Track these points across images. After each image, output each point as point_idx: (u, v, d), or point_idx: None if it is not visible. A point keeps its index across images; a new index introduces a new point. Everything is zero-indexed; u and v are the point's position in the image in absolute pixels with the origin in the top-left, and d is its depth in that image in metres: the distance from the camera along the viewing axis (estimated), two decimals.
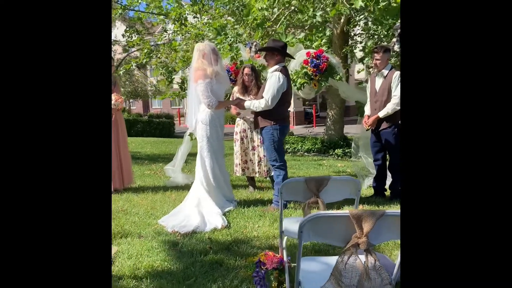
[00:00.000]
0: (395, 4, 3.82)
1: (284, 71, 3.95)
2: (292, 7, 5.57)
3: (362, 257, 1.46)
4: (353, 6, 4.72)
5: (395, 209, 2.84)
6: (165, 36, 11.04)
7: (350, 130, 10.74)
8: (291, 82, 4.30)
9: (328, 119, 9.77)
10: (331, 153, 9.12)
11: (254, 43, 5.35)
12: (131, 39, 10.34)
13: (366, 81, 5.42)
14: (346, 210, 1.46)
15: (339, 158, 8.67)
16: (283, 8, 5.47)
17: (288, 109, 4.20)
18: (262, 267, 2.29)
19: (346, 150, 8.96)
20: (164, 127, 18.83)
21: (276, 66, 3.93)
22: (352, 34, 10.80)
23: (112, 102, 4.67)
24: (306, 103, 22.08)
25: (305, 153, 9.38)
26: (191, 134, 5.01)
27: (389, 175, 4.53)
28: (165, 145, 11.25)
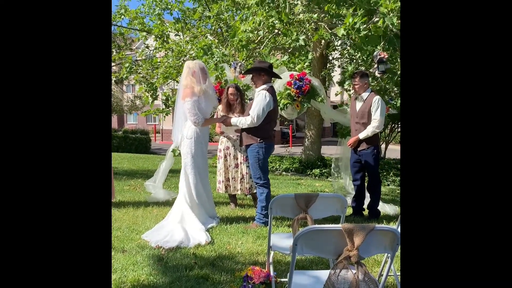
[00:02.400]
0: (375, 34, 4.04)
1: (271, 90, 4.07)
2: (276, 30, 5.76)
3: (352, 270, 1.55)
4: (334, 33, 4.93)
5: None
6: (147, 52, 11.08)
7: (326, 151, 10.96)
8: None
9: (306, 140, 9.96)
10: (308, 172, 9.27)
11: (239, 64, 5.49)
12: (112, 53, 10.33)
13: (342, 105, 5.62)
14: (338, 225, 1.55)
15: (317, 178, 8.82)
16: (267, 31, 5.66)
17: (274, 128, 4.30)
18: (250, 281, 2.35)
19: (323, 170, 9.14)
20: (140, 143, 18.59)
21: (263, 86, 4.05)
22: (330, 58, 11.17)
23: None
24: (285, 123, 22.34)
25: (283, 172, 9.50)
26: (174, 150, 5.04)
27: (367, 195, 4.68)
28: (142, 161, 11.15)
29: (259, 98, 3.99)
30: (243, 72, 5.11)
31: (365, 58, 6.95)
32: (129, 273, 2.78)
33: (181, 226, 3.72)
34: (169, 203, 4.89)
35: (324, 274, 1.93)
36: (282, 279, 2.62)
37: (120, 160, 11.01)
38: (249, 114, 4.03)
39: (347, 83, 6.41)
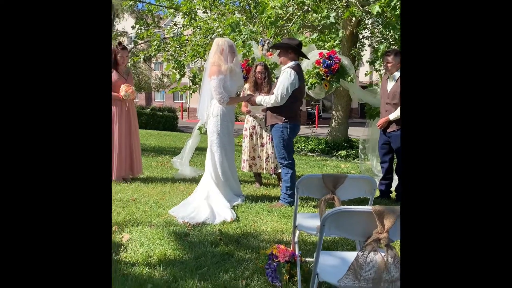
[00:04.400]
0: None
1: (297, 68, 3.98)
2: (306, 7, 5.61)
3: (381, 253, 1.52)
4: (367, 10, 4.76)
5: None
6: (174, 30, 11.08)
7: (353, 132, 10.80)
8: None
9: (333, 120, 9.82)
10: (334, 154, 9.18)
11: (267, 41, 5.41)
12: (140, 31, 10.38)
13: (371, 85, 5.47)
14: (368, 206, 1.51)
15: (343, 159, 8.73)
16: (297, 7, 5.52)
17: (300, 108, 4.24)
18: (275, 259, 2.35)
19: (350, 152, 9.02)
20: (168, 120, 18.87)
21: (290, 63, 3.97)
22: (360, 37, 10.86)
23: (123, 93, 4.72)
24: (312, 103, 22.08)
25: (309, 153, 9.44)
26: (200, 128, 5.07)
27: (395, 177, 4.59)
28: (170, 138, 11.30)
29: (284, 76, 3.92)
30: (271, 49, 5.03)
31: (397, 37, 6.72)
32: (156, 247, 2.84)
33: (207, 203, 3.76)
34: (195, 180, 4.95)
35: (350, 255, 1.91)
36: (307, 259, 2.61)
37: (148, 137, 11.20)
38: (273, 93, 3.98)
39: (378, 62, 6.23)
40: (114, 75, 4.77)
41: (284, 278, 2.35)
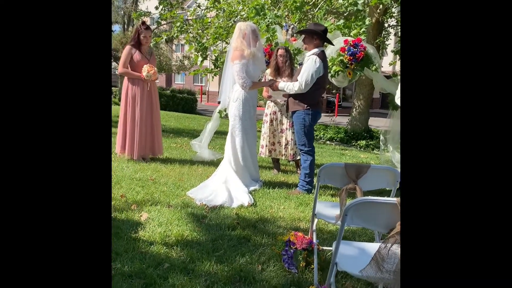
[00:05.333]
0: None
1: (322, 55, 3.92)
2: None
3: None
4: None
5: None
6: (198, 12, 11.01)
7: (373, 122, 10.64)
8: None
9: (354, 110, 9.69)
10: (353, 143, 9.09)
11: (291, 26, 5.32)
12: (164, 12, 10.34)
13: (395, 75, 5.33)
14: (393, 198, 1.48)
15: (362, 149, 8.63)
16: None
17: (322, 95, 4.18)
18: (292, 246, 2.34)
19: (370, 142, 8.92)
20: (187, 103, 18.96)
21: (314, 50, 3.91)
22: (386, 25, 10.61)
23: (145, 73, 4.73)
24: (333, 91, 21.78)
25: (328, 141, 9.37)
26: (220, 112, 5.05)
27: None
28: (189, 121, 11.36)
29: (309, 63, 3.86)
30: (295, 34, 4.95)
31: None
32: (173, 227, 2.87)
33: (225, 187, 3.77)
34: (213, 163, 4.97)
35: (369, 246, 1.89)
36: (324, 247, 2.60)
37: (167, 118, 11.28)
38: (297, 80, 3.93)
39: None
40: (137, 55, 4.78)
41: (301, 265, 2.35)
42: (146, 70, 4.74)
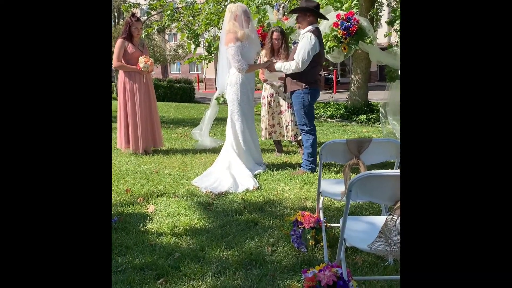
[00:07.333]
0: None
1: (317, 32, 3.87)
2: None
3: None
4: None
5: None
6: None
7: (372, 96, 10.57)
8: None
9: (352, 85, 9.62)
10: (354, 119, 9.05)
11: (282, 5, 5.25)
12: (153, 1, 10.22)
13: (390, 46, 5.26)
14: (397, 170, 1.48)
15: (363, 124, 8.61)
16: None
17: (320, 73, 4.14)
18: (299, 226, 2.35)
19: (370, 116, 8.88)
20: (185, 92, 18.84)
21: (309, 27, 3.85)
22: None
23: (142, 64, 4.69)
24: (330, 68, 21.59)
25: (328, 119, 9.34)
26: (218, 98, 5.03)
27: None
28: (188, 110, 11.33)
29: (304, 41, 3.81)
30: (286, 13, 4.88)
31: None
32: (181, 217, 2.89)
33: (229, 173, 3.77)
34: (216, 150, 4.97)
35: (376, 220, 1.89)
36: (332, 224, 2.61)
37: (166, 109, 11.25)
38: (293, 59, 3.88)
39: (397, 22, 5.96)
40: (130, 47, 4.74)
41: (310, 244, 2.36)
42: (142, 61, 4.70)
